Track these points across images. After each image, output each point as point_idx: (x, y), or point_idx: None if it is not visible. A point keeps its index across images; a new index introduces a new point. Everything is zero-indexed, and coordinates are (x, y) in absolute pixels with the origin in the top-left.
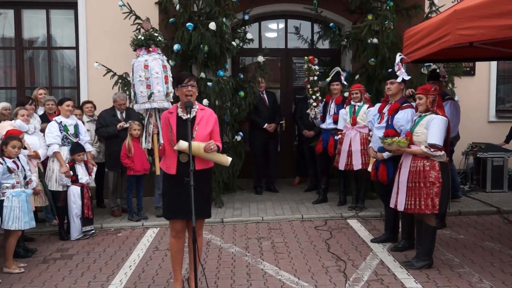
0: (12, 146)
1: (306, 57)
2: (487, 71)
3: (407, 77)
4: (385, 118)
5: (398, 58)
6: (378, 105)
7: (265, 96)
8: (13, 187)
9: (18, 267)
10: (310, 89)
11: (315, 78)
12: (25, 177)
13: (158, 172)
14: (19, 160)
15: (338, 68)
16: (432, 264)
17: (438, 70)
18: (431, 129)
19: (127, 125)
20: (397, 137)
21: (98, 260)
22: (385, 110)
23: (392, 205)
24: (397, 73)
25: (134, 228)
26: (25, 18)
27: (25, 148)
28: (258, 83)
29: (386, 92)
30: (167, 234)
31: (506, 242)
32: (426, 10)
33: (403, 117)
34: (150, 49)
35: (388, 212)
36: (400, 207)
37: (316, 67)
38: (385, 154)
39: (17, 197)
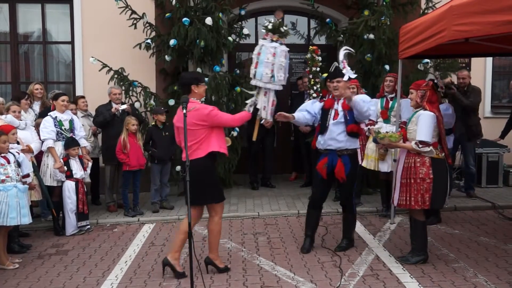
0: (3, 141)
1: (311, 47)
2: (483, 67)
3: (353, 76)
4: (341, 114)
5: (341, 54)
6: (373, 100)
7: None
8: (2, 181)
9: (13, 263)
10: (312, 80)
11: (318, 69)
12: (18, 165)
13: (254, 138)
14: (13, 155)
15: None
16: (427, 259)
17: (436, 81)
18: (419, 126)
19: (123, 107)
20: (390, 132)
21: (93, 256)
22: (337, 106)
23: (391, 201)
24: (343, 71)
25: (130, 224)
26: (20, 12)
27: (17, 143)
28: None
29: (333, 92)
30: (163, 230)
31: (501, 237)
32: (423, 6)
33: (362, 98)
34: (275, 38)
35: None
36: (395, 203)
37: (320, 58)
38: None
39: (5, 192)
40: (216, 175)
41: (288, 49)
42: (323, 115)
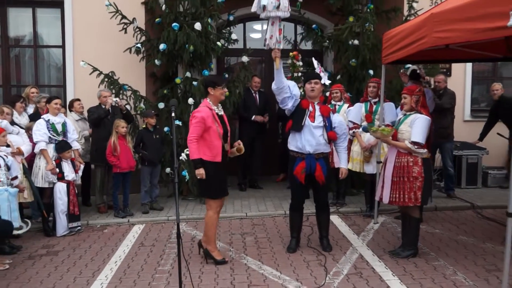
0: None
1: (291, 53)
2: (463, 72)
3: (328, 82)
4: (320, 119)
5: (315, 63)
6: (357, 105)
7: (257, 95)
8: None
9: (3, 264)
10: None
11: (299, 74)
12: (8, 168)
13: (277, 67)
14: (2, 159)
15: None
16: (417, 253)
17: (418, 71)
18: (415, 128)
19: (115, 99)
20: (382, 126)
21: (84, 256)
22: (313, 110)
23: (377, 198)
24: (321, 75)
25: (120, 225)
26: (11, 16)
27: (8, 145)
28: (257, 82)
29: (309, 93)
30: (152, 230)
31: (480, 236)
32: (405, 13)
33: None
34: None
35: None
36: (385, 200)
37: (301, 63)
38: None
39: None
40: (215, 175)
41: None
42: (298, 111)
